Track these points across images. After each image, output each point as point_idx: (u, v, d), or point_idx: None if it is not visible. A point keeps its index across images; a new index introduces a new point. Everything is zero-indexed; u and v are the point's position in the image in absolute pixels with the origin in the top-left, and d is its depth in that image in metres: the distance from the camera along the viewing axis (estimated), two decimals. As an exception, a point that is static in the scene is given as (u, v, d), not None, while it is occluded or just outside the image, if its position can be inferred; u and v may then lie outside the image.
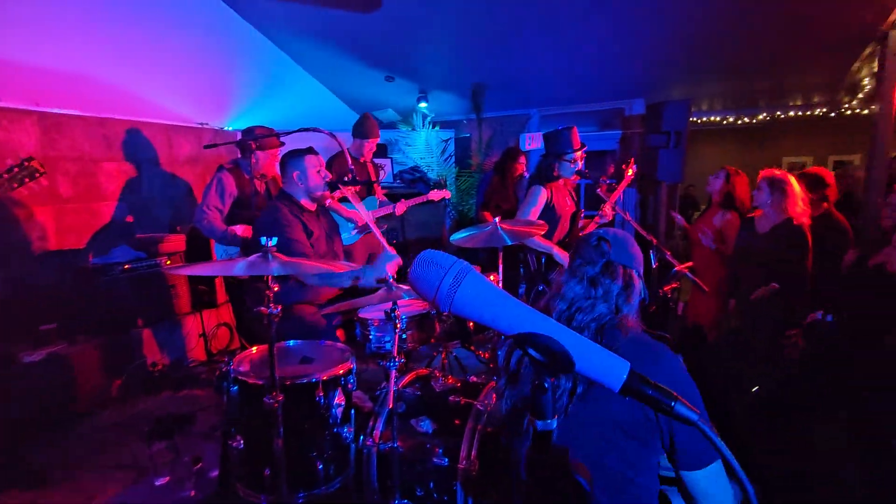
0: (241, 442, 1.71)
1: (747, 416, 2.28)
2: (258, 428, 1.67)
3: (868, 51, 3.83)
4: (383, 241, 2.23)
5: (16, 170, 2.26)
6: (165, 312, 3.53)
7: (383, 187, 4.99)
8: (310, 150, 2.40)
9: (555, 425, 0.57)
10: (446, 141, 5.69)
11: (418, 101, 5.40)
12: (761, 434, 2.15)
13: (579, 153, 2.79)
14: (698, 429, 0.52)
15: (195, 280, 3.75)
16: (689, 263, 2.41)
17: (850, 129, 6.49)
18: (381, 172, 4.50)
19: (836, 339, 2.78)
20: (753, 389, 2.29)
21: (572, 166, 2.77)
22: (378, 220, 3.25)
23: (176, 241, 3.61)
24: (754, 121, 5.77)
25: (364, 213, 2.52)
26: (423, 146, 5.58)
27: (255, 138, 2.69)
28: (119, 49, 3.48)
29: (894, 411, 1.38)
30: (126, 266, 3.27)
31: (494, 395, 1.78)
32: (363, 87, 5.47)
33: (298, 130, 2.50)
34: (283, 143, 2.90)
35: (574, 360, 0.54)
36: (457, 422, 1.76)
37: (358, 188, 3.19)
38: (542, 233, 2.47)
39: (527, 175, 4.25)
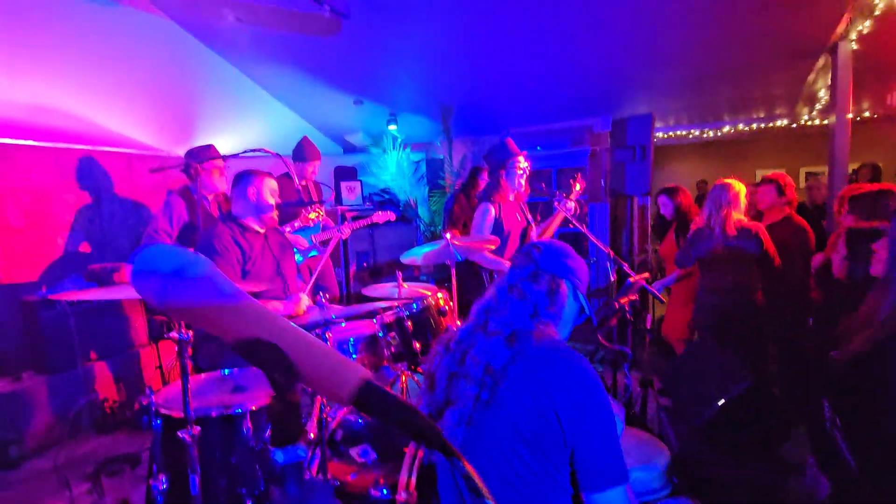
0: (165, 481, 1.58)
1: (711, 429, 2.20)
2: (180, 465, 1.55)
3: (821, 62, 3.91)
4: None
5: None
6: (120, 345, 3.39)
7: (352, 209, 4.94)
8: (266, 173, 2.35)
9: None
10: (417, 162, 5.68)
11: (388, 123, 5.41)
12: (723, 447, 2.07)
13: (521, 158, 2.79)
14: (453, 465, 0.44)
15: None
16: (646, 275, 2.36)
17: (818, 139, 6.62)
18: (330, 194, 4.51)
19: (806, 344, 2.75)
20: (719, 402, 2.21)
21: (518, 172, 2.75)
22: (323, 244, 3.19)
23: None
24: (719, 133, 5.85)
25: (302, 239, 2.47)
26: (395, 168, 5.55)
27: (197, 161, 2.63)
28: (77, 78, 3.44)
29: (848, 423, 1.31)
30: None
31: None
32: (332, 110, 5.47)
33: (243, 153, 2.45)
34: (224, 158, 2.82)
35: (295, 367, 0.46)
36: (406, 450, 1.67)
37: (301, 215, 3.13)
38: (494, 248, 2.41)
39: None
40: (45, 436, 2.94)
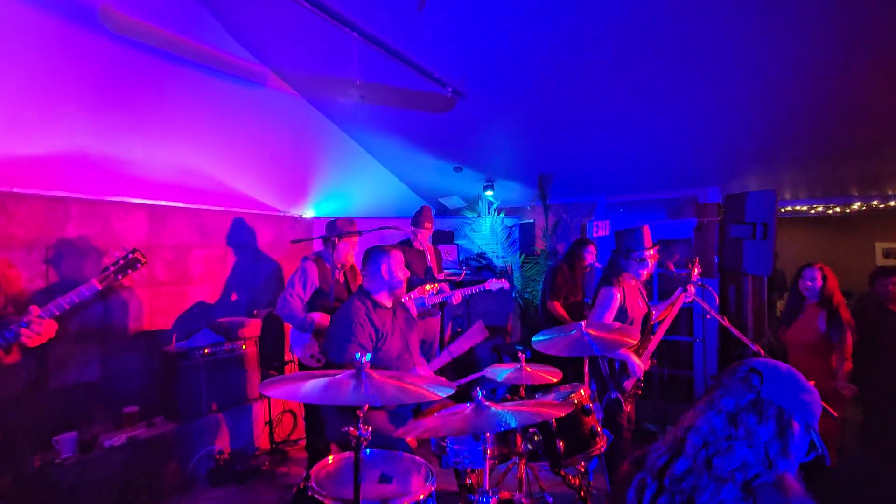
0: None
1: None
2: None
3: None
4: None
5: (121, 262, 2.35)
6: (237, 397, 3.57)
7: (452, 275, 5.02)
8: (395, 247, 2.46)
9: None
10: (511, 227, 5.72)
11: (485, 189, 5.54)
12: None
13: (651, 251, 2.69)
14: None
15: (266, 363, 3.81)
16: (811, 383, 2.12)
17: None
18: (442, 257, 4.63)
19: None
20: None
21: (640, 266, 2.66)
22: (433, 307, 3.28)
23: (253, 326, 3.72)
24: (847, 210, 5.40)
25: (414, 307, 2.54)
26: (489, 232, 5.62)
27: (338, 234, 2.81)
28: (220, 146, 3.90)
29: None
30: (206, 350, 3.38)
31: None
32: (432, 176, 5.72)
33: (379, 228, 2.59)
34: (360, 233, 3.01)
35: None
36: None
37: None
38: (634, 343, 2.30)
39: (597, 265, 4.13)
40: (168, 483, 3.10)
